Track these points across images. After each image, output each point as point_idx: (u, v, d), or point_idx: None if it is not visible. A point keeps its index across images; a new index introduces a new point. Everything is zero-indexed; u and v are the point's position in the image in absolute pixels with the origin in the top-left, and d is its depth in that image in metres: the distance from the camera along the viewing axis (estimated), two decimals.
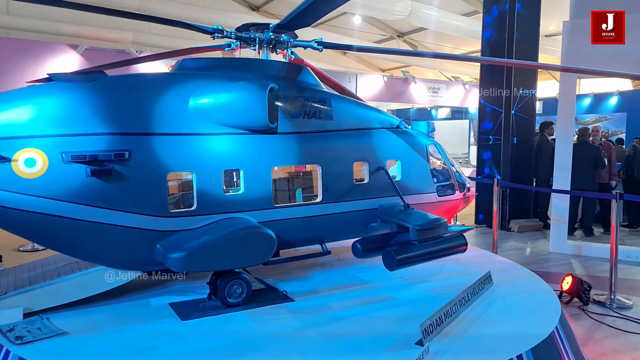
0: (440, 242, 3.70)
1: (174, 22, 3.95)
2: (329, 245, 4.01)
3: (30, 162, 2.95)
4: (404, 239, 3.68)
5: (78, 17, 11.43)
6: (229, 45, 4.17)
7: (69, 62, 9.86)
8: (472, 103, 15.72)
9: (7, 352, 2.64)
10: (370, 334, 2.95)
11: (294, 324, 3.11)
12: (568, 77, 7.72)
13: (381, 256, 3.57)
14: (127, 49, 10.74)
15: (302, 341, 2.84)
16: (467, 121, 18.38)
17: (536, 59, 9.90)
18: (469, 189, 4.98)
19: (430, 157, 4.58)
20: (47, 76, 3.26)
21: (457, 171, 4.88)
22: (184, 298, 3.53)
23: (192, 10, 12.70)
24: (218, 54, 4.59)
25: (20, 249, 7.46)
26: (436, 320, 2.90)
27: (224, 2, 16.23)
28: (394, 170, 4.37)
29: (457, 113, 19.68)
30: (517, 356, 2.66)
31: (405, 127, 4.57)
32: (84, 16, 11.49)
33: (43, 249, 7.43)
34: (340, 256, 4.67)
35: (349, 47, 4.15)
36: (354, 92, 10.42)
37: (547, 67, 9.09)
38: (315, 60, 4.61)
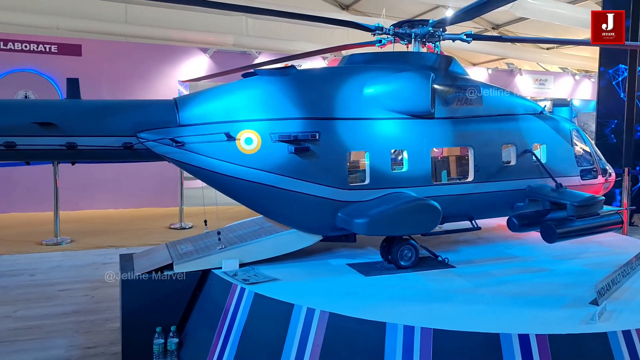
0: (598, 219, 3.91)
1: (342, 22, 4.53)
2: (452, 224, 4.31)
3: (248, 141, 3.65)
4: (559, 215, 3.94)
5: (184, 23, 12.68)
6: (380, 42, 4.67)
7: (200, 63, 11.05)
8: (582, 94, 15.00)
9: (243, 290, 3.33)
10: (541, 294, 3.27)
11: (465, 283, 3.52)
12: None
13: (539, 230, 3.85)
14: (248, 50, 11.76)
15: (479, 296, 3.24)
16: None
17: None
18: (610, 174, 5.05)
19: (574, 142, 4.75)
20: (253, 71, 3.96)
21: (599, 156, 4.98)
22: (354, 260, 4.07)
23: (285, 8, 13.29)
24: None
25: (171, 226, 8.62)
26: (607, 284, 3.15)
27: (315, 2, 16.81)
28: (539, 153, 4.60)
29: (559, 106, 18.77)
30: None
31: (548, 113, 4.78)
32: (189, 21, 12.77)
33: (189, 228, 8.53)
34: (479, 235, 4.97)
35: (498, 38, 4.47)
36: None
37: None
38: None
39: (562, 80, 14.63)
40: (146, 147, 3.59)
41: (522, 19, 15.38)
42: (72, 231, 7.78)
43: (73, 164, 3.79)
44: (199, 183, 13.18)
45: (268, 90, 3.80)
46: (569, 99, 16.20)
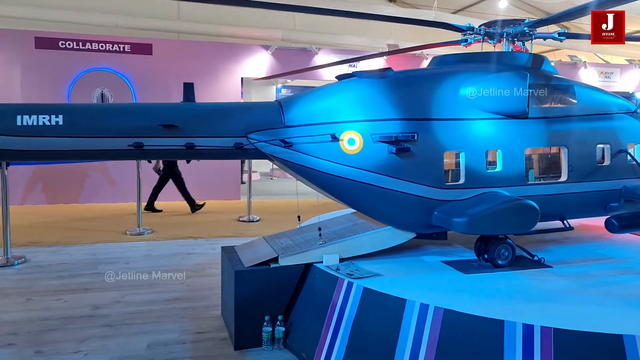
0: None
1: (432, 23, 4.59)
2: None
3: (351, 141, 3.80)
4: None
5: (234, 18, 13.14)
6: (466, 41, 4.70)
7: (262, 60, 11.32)
8: None
9: (350, 284, 3.49)
10: None
11: (570, 284, 3.54)
12: None
13: None
14: (307, 47, 11.93)
15: (589, 297, 3.25)
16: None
17: None
18: None
19: None
20: (351, 73, 4.09)
21: None
22: (447, 258, 4.15)
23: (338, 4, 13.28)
24: None
25: (240, 219, 8.94)
26: None
27: None
28: (633, 153, 4.51)
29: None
30: None
31: None
32: (238, 17, 13.13)
33: (257, 221, 8.83)
34: (565, 235, 4.93)
35: (589, 37, 4.40)
36: None
37: None
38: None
39: (629, 73, 14.00)
40: (255, 147, 3.79)
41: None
42: (149, 222, 8.22)
43: (188, 162, 4.06)
44: (255, 177, 13.39)
45: (368, 92, 3.93)
46: (631, 92, 15.46)
